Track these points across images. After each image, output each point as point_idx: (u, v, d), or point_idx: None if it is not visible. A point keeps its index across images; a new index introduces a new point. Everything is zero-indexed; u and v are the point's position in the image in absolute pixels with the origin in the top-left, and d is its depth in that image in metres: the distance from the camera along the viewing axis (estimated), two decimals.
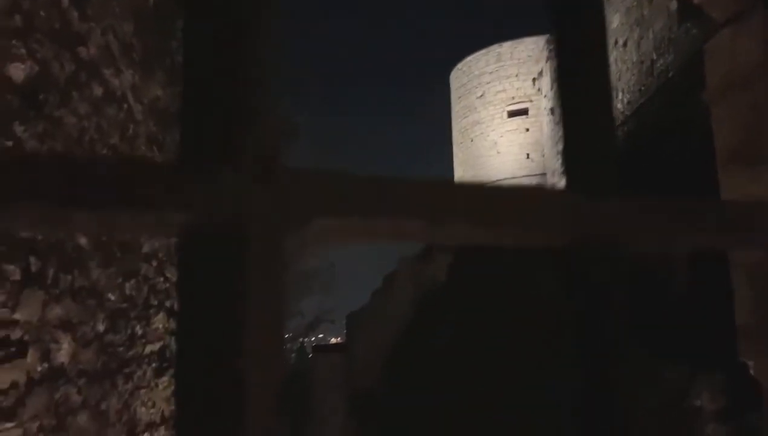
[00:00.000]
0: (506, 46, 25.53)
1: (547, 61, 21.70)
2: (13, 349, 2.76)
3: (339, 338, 38.36)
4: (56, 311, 3.19)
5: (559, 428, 7.65)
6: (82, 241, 3.54)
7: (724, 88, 2.58)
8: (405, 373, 19.93)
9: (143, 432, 4.61)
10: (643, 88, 11.48)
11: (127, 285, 4.32)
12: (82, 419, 3.53)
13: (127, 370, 4.26)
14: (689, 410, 4.24)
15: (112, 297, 4.04)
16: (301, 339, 30.11)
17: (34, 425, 2.95)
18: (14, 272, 2.77)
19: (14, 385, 2.76)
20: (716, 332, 4.85)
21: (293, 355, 34.82)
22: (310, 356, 33.11)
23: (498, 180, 22.57)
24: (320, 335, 37.99)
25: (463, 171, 25.78)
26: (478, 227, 0.42)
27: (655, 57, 11.07)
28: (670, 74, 10.22)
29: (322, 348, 34.79)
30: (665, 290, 5.51)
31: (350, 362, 28.24)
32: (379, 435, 22.78)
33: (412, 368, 19.23)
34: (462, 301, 15.61)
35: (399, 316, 24.14)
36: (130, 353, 4.33)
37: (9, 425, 2.72)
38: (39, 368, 3.00)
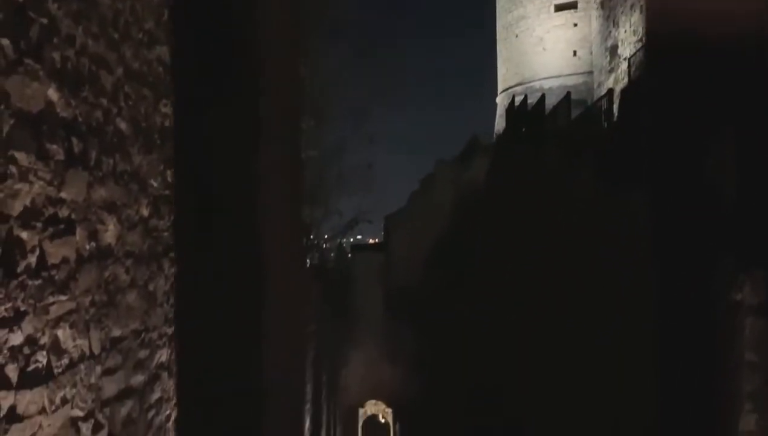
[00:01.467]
0: None
1: None
2: (61, 226, 2.85)
3: (376, 239, 39.11)
4: (100, 193, 3.26)
5: (593, 334, 7.74)
6: (122, 125, 3.56)
7: None
8: (442, 273, 20.29)
9: None
10: None
11: (169, 173, 4.39)
12: (131, 297, 3.70)
13: (172, 254, 4.40)
14: (730, 304, 4.21)
15: (154, 184, 4.11)
16: (339, 239, 30.70)
17: (86, 300, 3.10)
18: (57, 151, 2.81)
19: (65, 260, 2.88)
20: (762, 232, 4.73)
21: (332, 254, 35.77)
22: (348, 255, 33.97)
23: (543, 78, 21.81)
24: (358, 236, 38.77)
25: (506, 69, 24.94)
26: None
27: None
28: None
29: (361, 247, 35.58)
30: (716, 193, 5.33)
31: (388, 261, 28.86)
32: (414, 330, 23.58)
33: (449, 268, 19.54)
34: (500, 203, 15.53)
35: (437, 217, 24.30)
36: (175, 238, 4.46)
37: (63, 297, 2.85)
38: (87, 247, 3.11)
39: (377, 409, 32.40)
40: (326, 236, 28.05)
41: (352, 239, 35.86)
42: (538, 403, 9.29)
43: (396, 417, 30.11)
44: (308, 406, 14.35)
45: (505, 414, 11.10)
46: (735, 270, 4.24)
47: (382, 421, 33.51)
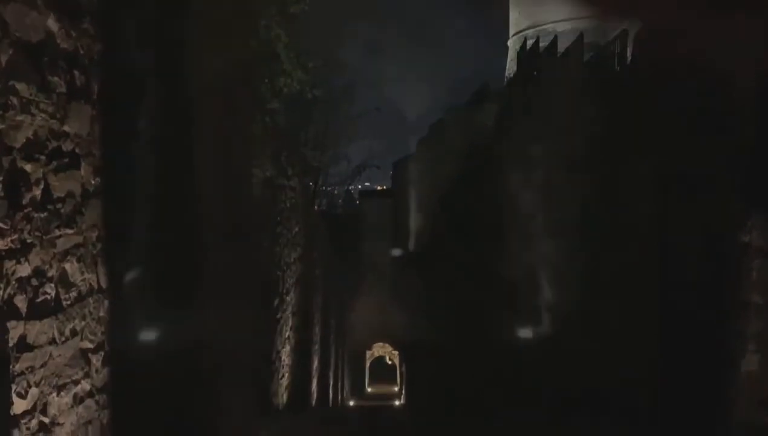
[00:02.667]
0: None
1: None
2: (66, 160, 2.83)
3: (384, 186, 39.06)
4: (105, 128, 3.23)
5: (599, 276, 7.77)
6: None
7: None
8: (450, 218, 20.29)
9: None
10: None
11: None
12: None
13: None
14: (738, 245, 4.18)
15: None
16: (347, 185, 30.62)
17: (93, 235, 3.11)
18: (59, 84, 2.77)
19: (71, 194, 2.88)
20: None
21: (340, 201, 35.78)
22: (357, 201, 33.99)
23: (555, 21, 21.27)
24: (366, 183, 38.70)
25: (519, 12, 24.31)
26: None
27: None
28: None
29: (369, 193, 35.52)
30: (728, 133, 5.23)
31: (396, 207, 28.86)
32: (421, 275, 23.76)
33: (457, 214, 19.52)
34: (511, 149, 15.37)
35: (446, 164, 24.14)
36: None
37: (69, 231, 2.87)
38: (93, 181, 3.10)
39: (384, 351, 33.07)
40: (334, 182, 27.96)
41: (360, 186, 35.83)
42: (540, 347, 9.42)
43: (402, 359, 30.73)
44: (316, 347, 14.64)
45: (507, 359, 11.30)
46: (744, 212, 4.20)
47: (389, 362, 34.24)
